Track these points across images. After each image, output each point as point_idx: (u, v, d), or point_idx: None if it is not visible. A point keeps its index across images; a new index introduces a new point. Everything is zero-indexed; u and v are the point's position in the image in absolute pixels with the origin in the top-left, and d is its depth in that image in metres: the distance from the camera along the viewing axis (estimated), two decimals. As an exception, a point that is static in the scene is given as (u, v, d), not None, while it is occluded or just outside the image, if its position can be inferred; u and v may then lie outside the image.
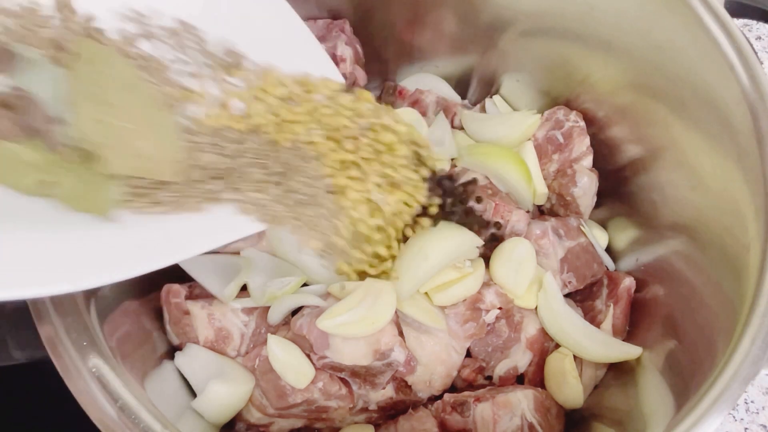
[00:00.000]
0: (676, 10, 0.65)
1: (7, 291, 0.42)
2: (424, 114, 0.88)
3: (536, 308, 0.75)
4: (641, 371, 0.69)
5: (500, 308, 0.71)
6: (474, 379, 0.73)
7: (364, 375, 0.66)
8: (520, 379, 0.75)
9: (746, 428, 0.90)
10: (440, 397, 0.71)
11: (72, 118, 0.47)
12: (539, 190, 0.82)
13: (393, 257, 0.69)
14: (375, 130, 0.63)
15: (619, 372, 0.73)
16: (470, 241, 0.71)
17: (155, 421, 0.49)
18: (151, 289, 0.70)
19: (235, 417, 0.68)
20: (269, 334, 0.67)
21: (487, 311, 0.71)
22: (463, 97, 0.97)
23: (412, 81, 0.94)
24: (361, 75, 0.86)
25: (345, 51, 0.82)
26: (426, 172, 0.68)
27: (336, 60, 0.82)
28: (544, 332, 0.75)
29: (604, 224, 0.85)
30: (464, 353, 0.72)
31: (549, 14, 0.77)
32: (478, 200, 0.75)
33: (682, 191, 0.70)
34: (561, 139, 0.83)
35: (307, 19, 0.83)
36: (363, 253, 0.68)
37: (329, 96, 0.63)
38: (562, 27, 0.78)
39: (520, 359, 0.74)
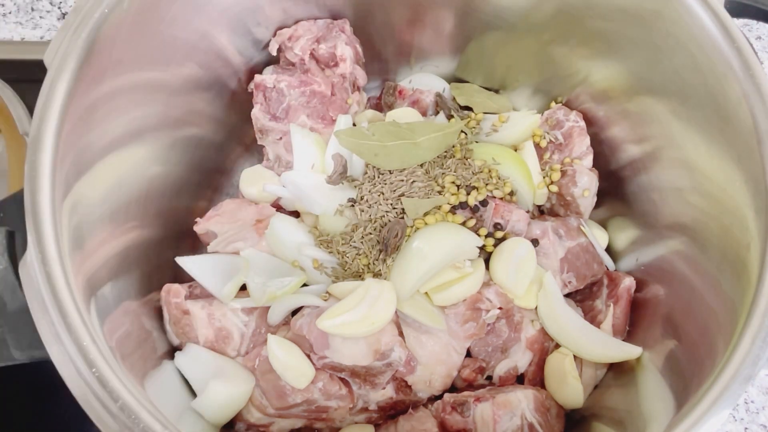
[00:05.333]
0: (676, 10, 0.65)
1: None
2: (424, 114, 0.88)
3: (536, 308, 0.75)
4: (641, 371, 0.69)
5: (500, 308, 0.71)
6: (474, 379, 0.73)
7: (364, 375, 0.66)
8: (520, 379, 0.75)
9: (746, 428, 0.90)
10: (440, 397, 0.71)
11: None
12: (539, 190, 0.82)
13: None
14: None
15: (619, 372, 0.73)
16: (470, 241, 0.71)
17: (155, 421, 0.49)
18: (151, 289, 0.70)
19: (235, 417, 0.68)
20: (269, 334, 0.67)
21: (487, 311, 0.71)
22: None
23: (412, 81, 0.94)
24: (361, 75, 0.86)
25: (345, 51, 0.82)
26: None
27: (336, 60, 0.82)
28: (544, 332, 0.75)
29: (604, 224, 0.85)
30: (464, 353, 0.72)
31: (548, 14, 0.77)
32: (483, 203, 0.75)
33: (682, 191, 0.70)
34: (561, 139, 0.83)
35: (307, 19, 0.83)
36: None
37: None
38: (562, 27, 0.78)
39: (520, 359, 0.74)
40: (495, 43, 0.85)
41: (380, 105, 0.96)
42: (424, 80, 0.93)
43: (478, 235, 0.73)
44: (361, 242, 0.73)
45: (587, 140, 0.82)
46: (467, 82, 0.93)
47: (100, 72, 0.59)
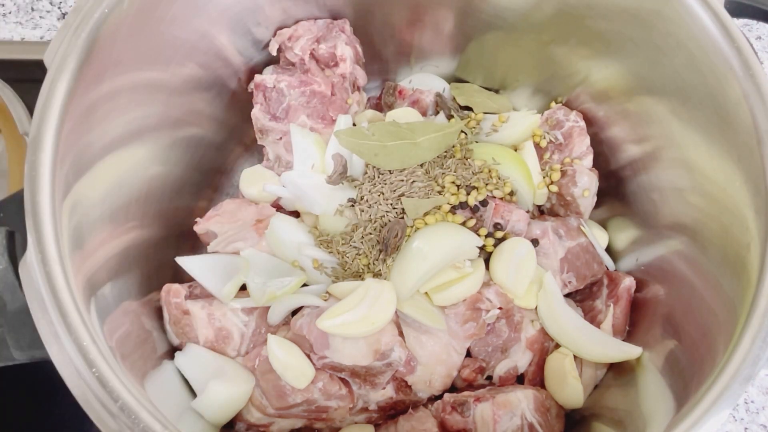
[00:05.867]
0: (676, 10, 0.65)
1: None
2: (424, 114, 0.88)
3: (536, 308, 0.75)
4: (641, 371, 0.69)
5: (500, 308, 0.71)
6: (474, 379, 0.73)
7: (364, 375, 0.66)
8: (520, 379, 0.75)
9: (746, 428, 0.90)
10: (440, 397, 0.71)
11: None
12: (539, 190, 0.82)
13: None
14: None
15: (619, 372, 0.73)
16: (470, 241, 0.71)
17: (155, 421, 0.49)
18: (151, 289, 0.70)
19: (235, 417, 0.68)
20: (269, 334, 0.67)
21: (487, 311, 0.71)
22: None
23: (412, 81, 0.94)
24: (361, 75, 0.86)
25: (345, 51, 0.82)
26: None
27: (336, 60, 0.82)
28: (544, 332, 0.75)
29: (604, 224, 0.85)
30: (464, 353, 0.72)
31: (548, 14, 0.77)
32: (483, 203, 0.75)
33: (682, 191, 0.70)
34: (561, 139, 0.83)
35: (307, 19, 0.83)
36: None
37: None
38: (562, 27, 0.78)
39: (520, 359, 0.74)
40: (495, 43, 0.85)
41: (380, 105, 0.96)
42: (424, 80, 0.93)
43: (478, 235, 0.73)
44: (361, 242, 0.73)
45: (587, 140, 0.82)
46: (467, 82, 0.94)
47: (100, 72, 0.59)
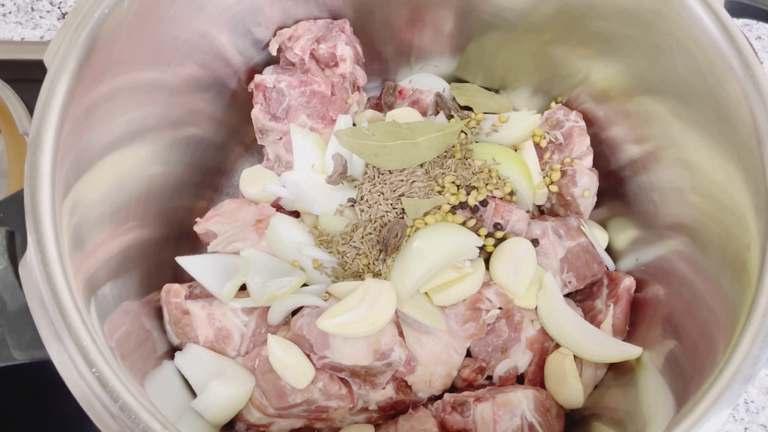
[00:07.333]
0: (676, 10, 0.65)
1: None
2: (424, 114, 0.88)
3: (536, 308, 0.75)
4: (641, 371, 0.69)
5: (500, 308, 0.71)
6: (474, 379, 0.73)
7: (364, 375, 0.66)
8: (520, 379, 0.75)
9: (746, 428, 0.90)
10: (440, 397, 0.71)
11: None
12: (539, 190, 0.82)
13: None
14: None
15: (619, 372, 0.73)
16: (470, 241, 0.71)
17: (155, 421, 0.49)
18: (151, 289, 0.71)
19: (235, 417, 0.68)
20: (269, 334, 0.67)
21: (487, 311, 0.71)
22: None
23: (412, 81, 0.94)
24: (361, 75, 0.86)
25: (345, 51, 0.82)
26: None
27: (336, 60, 0.82)
28: (544, 332, 0.75)
29: (604, 224, 0.85)
30: (464, 353, 0.72)
31: (548, 14, 0.77)
32: (483, 203, 0.75)
33: (682, 191, 0.70)
34: (561, 139, 0.83)
35: (307, 19, 0.83)
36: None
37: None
38: (562, 27, 0.78)
39: (520, 359, 0.74)
40: (495, 43, 0.85)
41: (380, 105, 0.96)
42: (424, 80, 0.93)
43: (478, 235, 0.73)
44: (361, 242, 0.73)
45: (587, 140, 0.83)
46: (467, 82, 0.94)
47: (100, 72, 0.59)
